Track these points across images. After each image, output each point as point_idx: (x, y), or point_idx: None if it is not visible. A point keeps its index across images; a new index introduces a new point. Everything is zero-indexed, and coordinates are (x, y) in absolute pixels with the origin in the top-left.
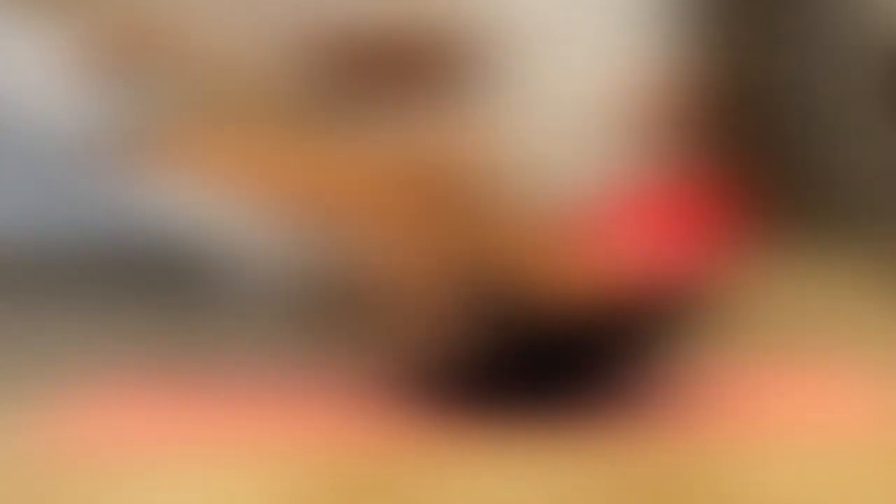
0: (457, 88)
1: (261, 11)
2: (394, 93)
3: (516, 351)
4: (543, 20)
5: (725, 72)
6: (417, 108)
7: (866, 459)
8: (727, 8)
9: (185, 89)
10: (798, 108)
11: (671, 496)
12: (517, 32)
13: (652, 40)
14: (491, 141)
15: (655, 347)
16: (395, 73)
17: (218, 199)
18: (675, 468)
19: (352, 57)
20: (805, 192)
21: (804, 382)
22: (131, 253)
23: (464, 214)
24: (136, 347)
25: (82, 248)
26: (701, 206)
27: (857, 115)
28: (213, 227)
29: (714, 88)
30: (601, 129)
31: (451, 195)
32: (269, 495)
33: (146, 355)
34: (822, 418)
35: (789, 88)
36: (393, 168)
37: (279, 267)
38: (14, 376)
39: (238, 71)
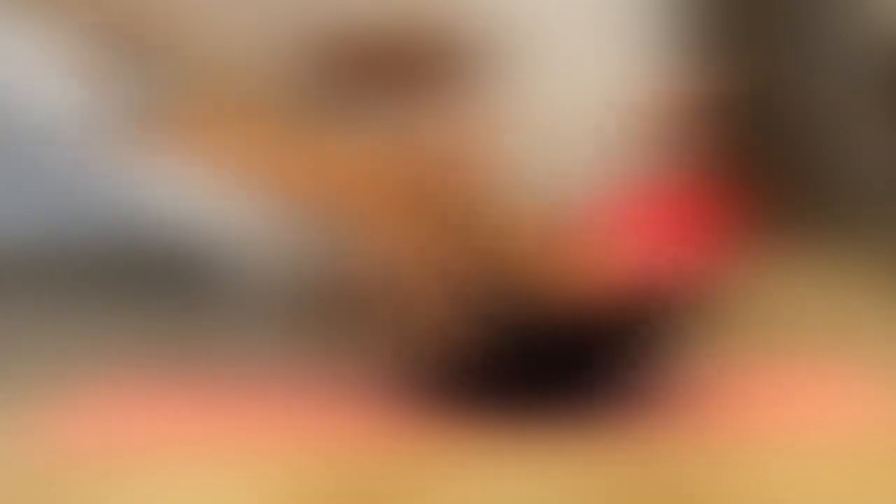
0: (457, 87)
1: (260, 10)
2: (393, 92)
3: (518, 350)
4: (545, 19)
5: (725, 74)
6: (417, 107)
7: (866, 460)
8: (727, 10)
9: (185, 88)
10: (798, 109)
11: (674, 496)
12: (518, 32)
13: (653, 41)
14: (491, 140)
15: (657, 348)
16: (394, 72)
17: (218, 198)
18: (677, 468)
19: (351, 56)
20: (805, 193)
21: (805, 382)
22: (131, 252)
23: (464, 214)
24: (136, 347)
25: (82, 247)
26: (702, 209)
27: (857, 116)
28: (213, 225)
29: (714, 91)
30: (603, 130)
31: (451, 194)
32: (269, 496)
33: (146, 355)
34: (823, 418)
35: (789, 89)
36: (392, 167)
37: (279, 266)
38: (14, 376)
39: (237, 69)
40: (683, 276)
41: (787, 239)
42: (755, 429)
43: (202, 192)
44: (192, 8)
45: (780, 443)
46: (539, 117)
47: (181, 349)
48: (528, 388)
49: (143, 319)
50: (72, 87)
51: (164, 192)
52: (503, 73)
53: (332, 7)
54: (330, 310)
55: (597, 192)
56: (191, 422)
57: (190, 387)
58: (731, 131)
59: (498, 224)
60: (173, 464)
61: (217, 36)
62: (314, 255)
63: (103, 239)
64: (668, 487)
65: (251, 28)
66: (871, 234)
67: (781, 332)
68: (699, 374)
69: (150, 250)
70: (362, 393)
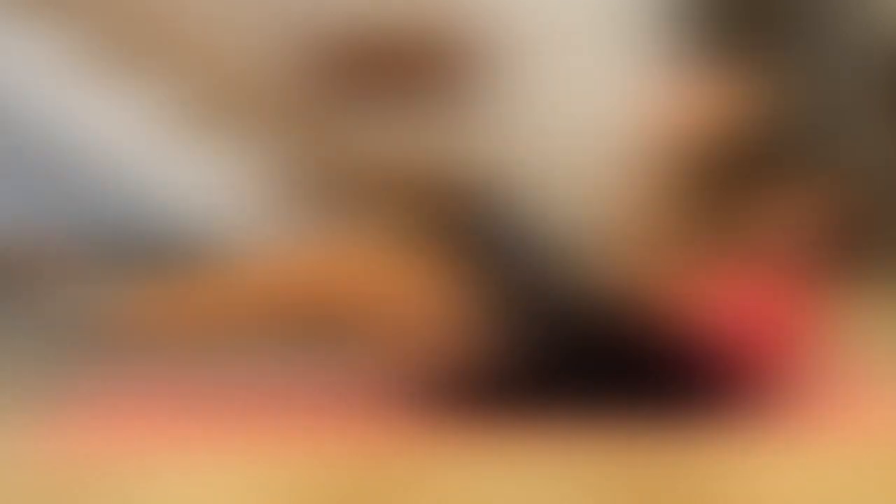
0: (458, 89)
1: (262, 12)
2: (395, 93)
3: (522, 352)
4: (547, 20)
5: (726, 75)
6: (419, 108)
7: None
8: (731, 13)
9: (185, 88)
10: (800, 109)
11: (679, 498)
12: (519, 32)
13: (654, 44)
14: (493, 142)
15: (682, 359)
16: (396, 74)
17: (221, 197)
18: (683, 471)
19: (352, 57)
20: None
21: (857, 397)
22: (132, 251)
23: (467, 215)
24: (136, 348)
25: (82, 246)
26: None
27: (861, 118)
28: (216, 224)
29: (714, 90)
30: (604, 130)
31: (453, 195)
32: (269, 497)
33: (147, 357)
34: (874, 431)
35: (791, 90)
36: (394, 167)
37: (282, 263)
38: (13, 376)
39: (238, 70)
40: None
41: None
42: (774, 435)
43: (205, 190)
44: (195, 12)
45: (830, 453)
46: (541, 118)
47: (182, 351)
48: (533, 390)
49: (143, 319)
50: (73, 88)
51: (167, 190)
52: (504, 74)
53: (334, 9)
54: (333, 311)
55: (605, 196)
56: (191, 423)
57: (191, 389)
58: (734, 134)
59: (502, 223)
60: (173, 465)
61: (221, 39)
62: (319, 255)
63: (105, 237)
64: (672, 490)
65: (254, 30)
66: (873, 236)
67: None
68: (715, 378)
69: (152, 250)
70: (363, 396)
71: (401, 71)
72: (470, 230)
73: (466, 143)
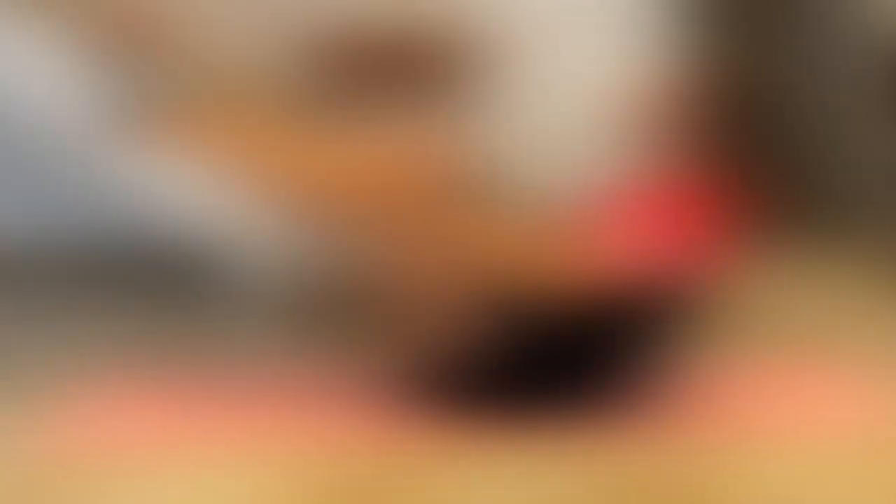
0: (457, 88)
1: (261, 9)
2: (394, 92)
3: (517, 348)
4: (543, 19)
5: (724, 71)
6: (417, 107)
7: (865, 458)
8: (726, 7)
9: (186, 85)
10: (799, 108)
11: (672, 495)
12: (517, 31)
13: (651, 39)
14: (490, 140)
15: (655, 345)
16: (395, 73)
17: (220, 197)
18: (675, 467)
19: (352, 56)
20: (806, 191)
21: (804, 381)
22: (131, 251)
23: (463, 213)
24: (135, 347)
25: (82, 246)
26: (701, 204)
27: (858, 115)
28: (214, 224)
29: (713, 88)
30: (600, 127)
31: (451, 193)
32: (269, 496)
33: (146, 355)
34: (821, 416)
35: (789, 88)
36: (393, 166)
37: (280, 264)
38: (13, 376)
39: (239, 67)
40: (682, 273)
41: (788, 237)
42: (754, 427)
43: (203, 190)
44: (194, 8)
45: (779, 441)
46: (536, 114)
47: (181, 350)
48: (527, 387)
49: (143, 320)
50: (72, 87)
51: (165, 191)
52: (503, 73)
53: (334, 8)
54: (332, 310)
55: (595, 188)
56: (190, 422)
57: (189, 387)
58: (731, 128)
59: (499, 221)
60: (172, 464)
61: (219, 35)
62: (317, 254)
63: (103, 238)
64: (666, 486)
65: (254, 28)
66: (870, 232)
67: (782, 330)
68: (698, 372)
69: (150, 250)
70: (361, 393)
71: (401, 70)
72: (469, 226)
73: (465, 141)
